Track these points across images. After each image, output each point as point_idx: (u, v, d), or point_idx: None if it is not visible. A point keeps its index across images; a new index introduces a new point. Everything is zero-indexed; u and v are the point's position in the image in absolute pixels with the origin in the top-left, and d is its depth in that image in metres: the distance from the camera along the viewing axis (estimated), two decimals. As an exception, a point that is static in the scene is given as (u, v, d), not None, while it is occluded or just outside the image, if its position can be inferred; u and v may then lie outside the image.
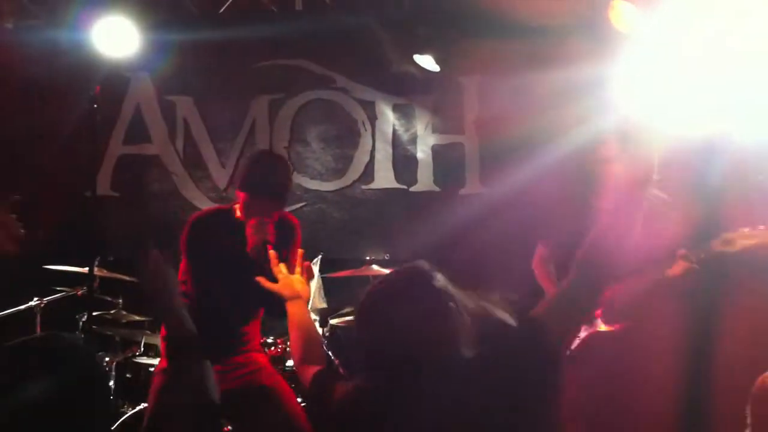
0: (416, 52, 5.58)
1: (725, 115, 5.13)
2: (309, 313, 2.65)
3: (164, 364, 3.53)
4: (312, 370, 2.33)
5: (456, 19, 5.46)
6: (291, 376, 4.59)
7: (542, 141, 5.71)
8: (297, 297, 2.64)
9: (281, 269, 2.73)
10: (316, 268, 5.53)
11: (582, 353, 3.89)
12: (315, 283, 5.52)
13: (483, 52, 5.80)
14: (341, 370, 4.80)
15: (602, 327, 3.86)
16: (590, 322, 3.88)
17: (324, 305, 5.37)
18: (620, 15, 5.09)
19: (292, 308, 2.62)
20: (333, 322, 5.05)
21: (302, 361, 2.48)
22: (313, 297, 5.50)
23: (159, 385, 3.42)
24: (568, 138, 5.55)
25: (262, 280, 2.73)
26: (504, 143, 5.85)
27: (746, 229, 3.48)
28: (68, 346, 1.68)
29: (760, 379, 1.90)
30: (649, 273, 3.72)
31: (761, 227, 3.48)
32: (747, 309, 4.86)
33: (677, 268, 3.63)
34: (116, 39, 5.18)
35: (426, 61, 5.59)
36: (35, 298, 4.82)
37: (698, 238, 3.72)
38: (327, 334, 5.00)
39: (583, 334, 3.90)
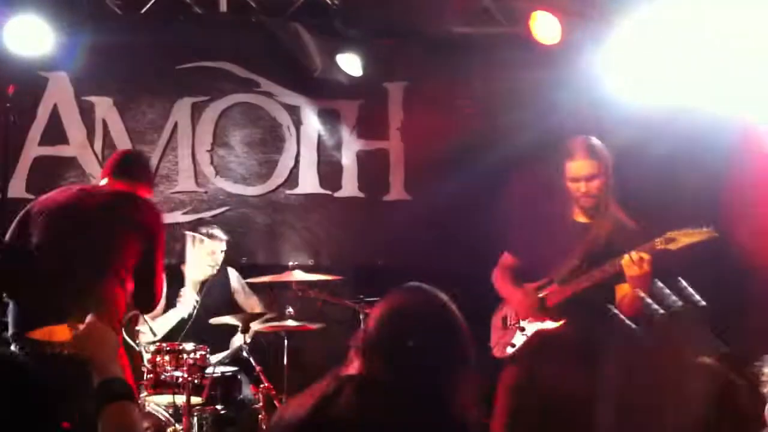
0: (341, 53, 5.57)
1: (651, 122, 5.30)
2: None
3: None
4: None
5: (382, 25, 5.48)
6: (212, 383, 4.54)
7: (467, 149, 5.79)
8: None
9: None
10: (234, 273, 5.47)
11: (526, 353, 3.96)
12: (237, 284, 5.46)
13: (409, 58, 5.85)
14: (263, 378, 4.75)
15: (548, 324, 3.94)
16: (542, 311, 3.96)
17: (258, 308, 5.30)
18: (541, 26, 5.19)
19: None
20: (255, 328, 5.00)
21: None
22: (239, 296, 5.44)
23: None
24: (493, 148, 5.65)
25: None
26: (428, 150, 5.90)
27: (690, 229, 3.63)
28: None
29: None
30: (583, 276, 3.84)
31: (705, 228, 3.63)
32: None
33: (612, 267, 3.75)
34: (30, 38, 5.05)
35: (349, 63, 5.57)
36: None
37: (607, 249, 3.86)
38: (249, 340, 4.94)
39: (529, 332, 3.97)
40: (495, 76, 5.73)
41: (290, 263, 5.10)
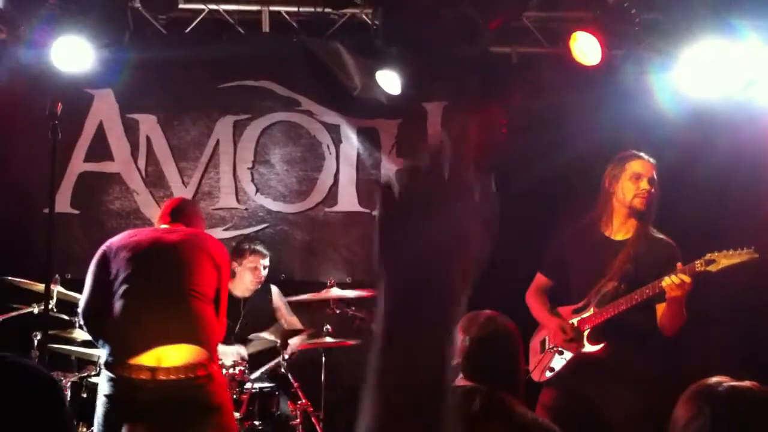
0: (380, 71, 5.58)
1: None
2: None
3: None
4: None
5: (422, 45, 5.51)
6: (250, 398, 4.57)
7: (504, 169, 5.79)
8: None
9: None
10: (276, 290, 5.53)
11: (565, 376, 3.94)
12: (280, 302, 5.49)
13: (448, 78, 5.87)
14: (301, 394, 4.78)
15: (588, 347, 3.91)
16: (578, 342, 3.93)
17: (298, 324, 5.34)
18: (581, 47, 5.19)
19: None
20: (293, 344, 5.03)
21: None
22: (281, 313, 5.47)
23: None
24: (530, 168, 5.65)
25: None
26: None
27: (730, 250, 3.61)
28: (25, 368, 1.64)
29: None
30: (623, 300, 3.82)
31: (746, 249, 3.61)
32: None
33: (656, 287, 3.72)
34: (77, 56, 5.17)
35: (388, 81, 5.57)
36: (-10, 315, 4.75)
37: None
38: (287, 356, 4.97)
39: (568, 355, 3.95)
40: (534, 96, 5.72)
41: (328, 280, 5.13)
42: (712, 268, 3.63)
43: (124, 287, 3.75)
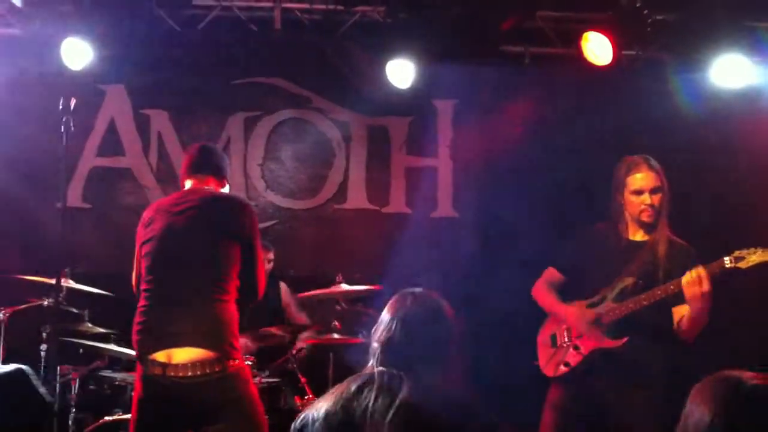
0: (391, 67, 5.56)
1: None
2: None
3: None
4: None
5: (433, 43, 5.51)
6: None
7: (515, 168, 5.79)
8: None
9: None
10: (284, 287, 5.55)
11: (579, 371, 3.93)
12: (290, 298, 5.51)
13: (459, 76, 5.88)
14: (308, 389, 4.80)
15: (608, 341, 3.90)
16: (598, 334, 3.91)
17: (306, 321, 5.37)
18: (593, 47, 5.18)
19: None
20: (301, 338, 5.05)
21: None
22: (291, 310, 5.49)
23: None
24: (542, 167, 5.66)
25: None
26: (477, 168, 5.92)
27: (758, 249, 3.59)
28: None
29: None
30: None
31: None
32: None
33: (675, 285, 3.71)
34: (90, 52, 5.21)
35: (397, 77, 5.54)
36: (0, 308, 4.78)
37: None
38: (295, 352, 4.99)
39: (583, 350, 3.94)
40: (547, 95, 5.73)
41: (337, 277, 5.14)
42: (742, 264, 3.61)
43: (146, 280, 3.55)
